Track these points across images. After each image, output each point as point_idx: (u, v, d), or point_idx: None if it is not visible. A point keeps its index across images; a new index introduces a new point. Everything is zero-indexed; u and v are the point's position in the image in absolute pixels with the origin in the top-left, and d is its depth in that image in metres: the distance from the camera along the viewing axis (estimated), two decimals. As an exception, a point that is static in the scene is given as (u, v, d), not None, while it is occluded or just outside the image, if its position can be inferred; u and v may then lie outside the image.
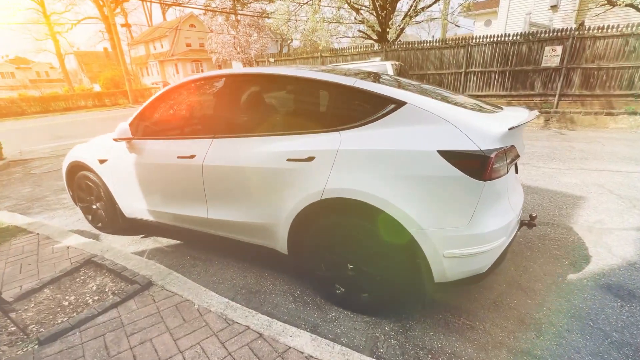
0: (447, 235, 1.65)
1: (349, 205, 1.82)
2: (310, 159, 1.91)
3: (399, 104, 1.77)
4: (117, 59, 27.81)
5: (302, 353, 1.66)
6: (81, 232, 3.30)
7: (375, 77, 2.28)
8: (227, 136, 2.27)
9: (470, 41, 9.16)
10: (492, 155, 1.56)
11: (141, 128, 2.72)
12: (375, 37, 11.59)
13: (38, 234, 3.03)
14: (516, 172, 2.12)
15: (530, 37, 8.43)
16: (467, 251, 1.65)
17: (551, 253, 2.62)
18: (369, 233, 1.83)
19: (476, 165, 1.57)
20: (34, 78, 58.29)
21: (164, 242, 3.09)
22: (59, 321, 1.90)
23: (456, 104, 1.96)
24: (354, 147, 1.80)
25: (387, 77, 2.51)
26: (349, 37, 12.02)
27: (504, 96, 9.19)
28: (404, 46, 10.12)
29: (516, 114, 1.97)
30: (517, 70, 8.84)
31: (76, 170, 3.20)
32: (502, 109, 2.22)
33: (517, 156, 1.80)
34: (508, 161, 1.68)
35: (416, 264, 1.75)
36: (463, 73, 9.49)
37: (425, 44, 9.82)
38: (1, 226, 3.23)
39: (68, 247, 2.75)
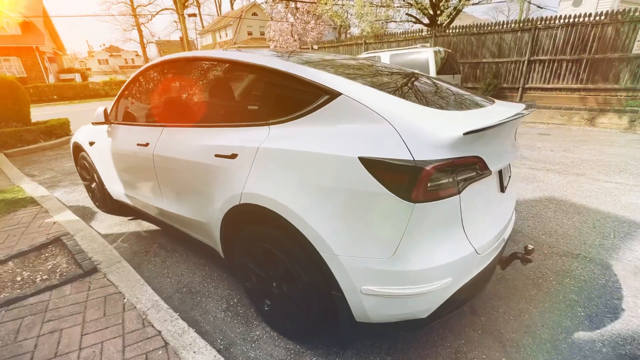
0: (366, 267, 1.28)
1: (263, 215, 1.53)
2: (234, 156, 1.66)
3: (333, 95, 1.41)
4: (185, 47, 30.08)
5: (195, 376, 1.47)
6: (81, 209, 3.53)
7: (337, 62, 1.90)
8: (173, 125, 2.12)
9: (537, 23, 7.75)
10: (428, 168, 1.14)
11: (118, 113, 2.73)
12: (426, 21, 10.51)
13: (41, 207, 3.30)
14: (502, 190, 1.60)
15: (620, 16, 6.79)
16: (391, 291, 1.26)
17: (566, 297, 2.01)
18: (284, 250, 1.53)
19: (404, 180, 1.17)
20: (123, 64, 66.67)
21: (145, 226, 3.13)
22: (4, 297, 1.98)
23: (419, 97, 1.52)
24: (274, 146, 1.49)
25: (362, 61, 2.09)
26: (396, 21, 11.08)
27: (577, 90, 7.66)
28: (457, 31, 9.01)
29: (502, 110, 1.48)
30: (597, 58, 7.25)
31: (77, 150, 3.39)
32: (493, 102, 1.71)
33: (485, 170, 1.32)
34: (461, 177, 1.23)
35: (331, 295, 1.41)
36: (526, 62, 8.12)
37: (482, 28, 8.60)
38: (20, 197, 3.60)
39: (54, 223, 2.92)
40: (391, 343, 1.70)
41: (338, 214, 1.31)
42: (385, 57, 7.47)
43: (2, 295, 1.98)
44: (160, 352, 1.61)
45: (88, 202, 3.74)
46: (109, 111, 2.72)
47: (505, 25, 8.23)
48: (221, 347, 1.72)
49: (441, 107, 1.43)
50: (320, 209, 1.34)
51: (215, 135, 1.81)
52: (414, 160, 1.16)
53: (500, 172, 1.56)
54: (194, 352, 1.61)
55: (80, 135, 3.26)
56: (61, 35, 33.48)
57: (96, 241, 2.57)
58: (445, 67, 7.20)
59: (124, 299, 1.97)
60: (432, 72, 6.79)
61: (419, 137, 1.20)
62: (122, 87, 2.66)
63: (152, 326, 1.77)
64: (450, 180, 1.20)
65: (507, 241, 1.72)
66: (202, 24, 49.76)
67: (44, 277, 2.16)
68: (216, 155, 1.74)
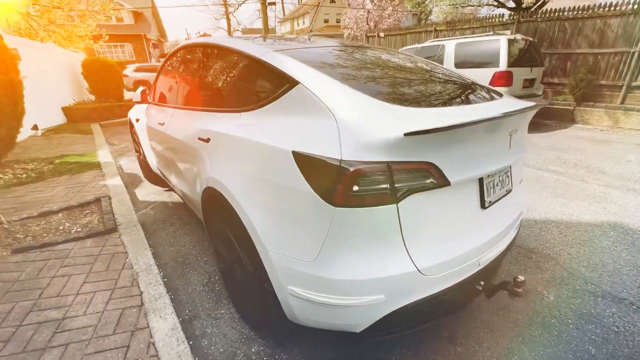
0: (291, 267, 1.22)
1: (220, 200, 1.56)
2: (208, 140, 1.71)
3: (292, 83, 1.34)
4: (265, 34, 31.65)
5: (151, 338, 1.61)
6: (132, 177, 4.07)
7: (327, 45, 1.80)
8: (179, 108, 2.28)
9: (661, 5, 6.11)
10: (352, 170, 1.02)
11: (153, 94, 3.04)
12: (511, 4, 9.13)
13: (101, 171, 3.91)
14: (483, 206, 1.33)
15: None
16: (314, 297, 1.18)
17: (580, 347, 1.62)
18: (236, 237, 1.54)
19: (327, 180, 1.07)
20: (212, 51, 73.30)
21: (174, 198, 3.48)
22: (39, 239, 2.43)
23: (392, 90, 1.36)
24: (235, 133, 1.50)
25: (360, 49, 1.93)
26: (473, 5, 9.84)
27: None
28: (547, 15, 7.65)
29: (498, 108, 1.25)
30: None
31: (130, 125, 3.90)
32: (501, 95, 1.45)
33: (440, 180, 1.11)
34: (402, 185, 1.06)
35: (264, 289, 1.38)
36: (637, 53, 6.53)
37: (581, 12, 7.14)
38: (92, 161, 4.31)
39: (104, 186, 3.44)
40: (333, 350, 1.61)
41: (271, 208, 1.26)
42: (449, 46, 6.77)
43: (45, 239, 2.43)
44: (134, 310, 1.79)
45: (140, 171, 4.29)
46: (147, 92, 3.05)
47: (613, 8, 6.69)
48: (186, 317, 1.84)
49: (412, 103, 1.26)
50: (257, 202, 1.31)
51: (200, 119, 1.89)
52: (340, 159, 1.04)
53: (481, 183, 1.31)
54: (160, 317, 1.76)
55: (132, 112, 3.73)
56: (164, 23, 38.31)
57: (125, 205, 2.96)
58: (522, 58, 6.21)
59: (127, 258, 2.24)
60: (503, 65, 5.94)
61: (356, 135, 1.07)
62: (157, 72, 2.94)
63: (138, 287, 1.98)
64: (386, 186, 1.05)
65: (494, 265, 1.46)
66: (283, 12, 51.68)
67: (77, 230, 2.58)
68: (198, 139, 1.82)
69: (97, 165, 4.15)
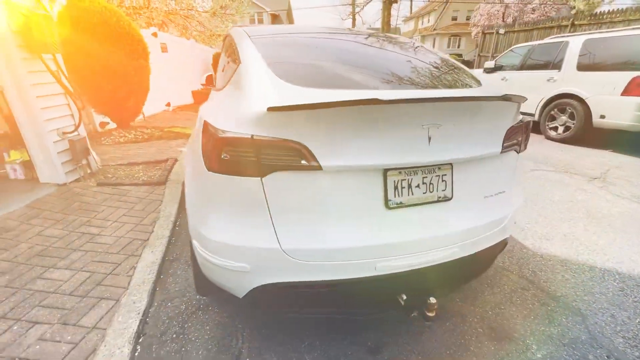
0: (194, 225, 1.36)
1: None
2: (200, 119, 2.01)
3: (239, 63, 1.49)
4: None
5: (136, 264, 2.05)
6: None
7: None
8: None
9: None
10: (218, 137, 1.11)
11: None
12: None
13: (185, 139, 4.84)
14: (387, 205, 1.15)
15: None
16: (202, 252, 1.30)
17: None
18: None
19: (207, 147, 1.18)
20: (336, 49, 77.36)
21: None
22: (116, 180, 3.24)
23: (322, 72, 1.38)
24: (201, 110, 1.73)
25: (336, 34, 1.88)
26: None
27: None
28: None
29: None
30: None
31: (211, 105, 4.68)
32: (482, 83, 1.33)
33: (311, 161, 1.06)
34: (267, 160, 1.08)
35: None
36: None
37: None
38: (187, 132, 5.36)
39: (181, 150, 4.28)
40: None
41: (189, 171, 1.45)
42: (575, 44, 5.42)
43: (120, 180, 3.25)
44: (139, 242, 2.28)
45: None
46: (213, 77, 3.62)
47: None
48: (171, 258, 2.21)
49: (327, 86, 1.24)
50: (189, 166, 1.51)
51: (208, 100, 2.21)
52: (217, 128, 1.14)
53: (386, 176, 1.15)
54: (152, 251, 2.18)
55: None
56: (296, 23, 42.46)
57: (182, 167, 3.63)
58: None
59: (160, 205, 2.81)
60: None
61: (240, 109, 1.15)
62: (221, 59, 3.46)
63: (153, 227, 2.49)
64: (250, 158, 1.09)
65: (415, 280, 1.28)
66: (410, 9, 50.04)
67: (143, 178, 3.34)
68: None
69: (185, 135, 5.16)
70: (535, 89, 5.86)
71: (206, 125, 1.24)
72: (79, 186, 3.00)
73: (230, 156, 1.10)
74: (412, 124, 1.09)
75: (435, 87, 1.40)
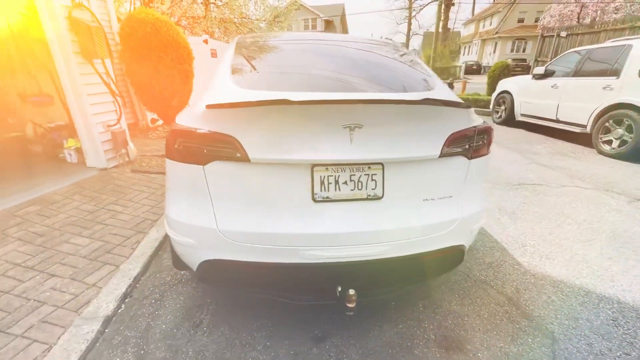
0: (165, 201, 1.59)
1: None
2: None
3: (218, 67, 1.71)
4: (436, 37, 30.40)
5: (141, 240, 2.38)
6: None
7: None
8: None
9: None
10: (172, 129, 1.31)
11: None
12: None
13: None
14: (313, 198, 1.23)
15: None
16: (166, 228, 1.52)
17: None
18: None
19: (168, 136, 1.39)
20: (389, 54, 76.28)
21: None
22: (147, 168, 3.71)
23: (281, 76, 1.53)
24: None
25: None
26: None
27: None
28: None
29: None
30: None
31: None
32: (432, 89, 1.49)
33: (242, 154, 1.21)
34: (208, 151, 1.25)
35: None
36: None
37: None
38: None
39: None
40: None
41: None
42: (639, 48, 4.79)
43: (150, 169, 3.71)
44: (150, 222, 2.63)
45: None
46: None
47: None
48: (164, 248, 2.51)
49: (274, 88, 1.38)
50: None
51: None
52: (174, 122, 1.35)
53: (313, 171, 1.25)
54: (157, 230, 2.51)
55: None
56: (350, 29, 42.82)
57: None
58: None
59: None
60: None
61: (196, 108, 1.35)
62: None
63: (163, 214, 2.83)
64: (194, 148, 1.27)
65: (347, 272, 1.36)
66: (472, 11, 47.35)
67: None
68: None
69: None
70: (588, 98, 5.28)
71: (174, 121, 1.45)
72: (116, 171, 3.51)
73: (181, 146, 1.30)
74: (333, 124, 1.18)
75: (364, 90, 1.45)
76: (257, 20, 12.49)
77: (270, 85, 1.43)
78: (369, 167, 1.27)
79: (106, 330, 1.63)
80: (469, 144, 1.38)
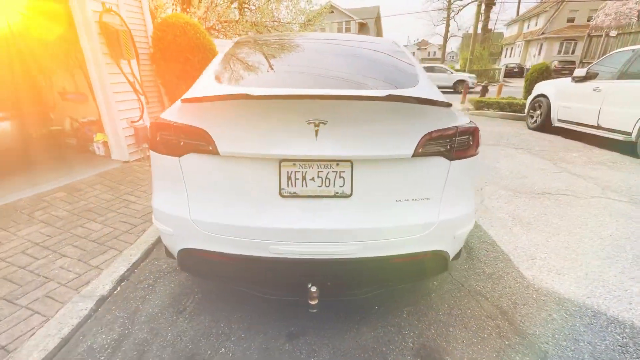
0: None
1: None
2: None
3: (211, 65, 1.78)
4: (473, 39, 29.14)
5: (146, 230, 2.53)
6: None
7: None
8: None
9: None
10: (154, 121, 1.39)
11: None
12: None
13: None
14: (280, 193, 1.23)
15: None
16: (153, 216, 1.61)
17: None
18: None
19: (151, 128, 1.47)
20: (425, 57, 74.40)
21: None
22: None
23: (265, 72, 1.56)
24: None
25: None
26: None
27: None
28: None
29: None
30: None
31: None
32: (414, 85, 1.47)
33: (212, 147, 1.24)
34: (184, 143, 1.30)
35: None
36: None
37: None
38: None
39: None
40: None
41: None
42: None
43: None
44: (159, 212, 2.77)
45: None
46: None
47: None
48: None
49: (253, 85, 1.41)
50: None
51: None
52: (158, 117, 1.43)
53: (280, 166, 1.25)
54: (153, 229, 2.64)
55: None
56: (385, 32, 42.28)
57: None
58: None
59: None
60: None
61: (177, 102, 1.42)
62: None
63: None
64: (171, 141, 1.33)
65: (317, 269, 1.36)
66: (517, 11, 44.76)
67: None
68: None
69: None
70: (634, 103, 4.78)
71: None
72: (137, 164, 3.75)
73: (160, 138, 1.37)
74: (298, 119, 1.18)
75: (336, 87, 1.43)
76: (288, 23, 12.75)
77: (249, 82, 1.47)
78: (337, 164, 1.26)
79: (99, 309, 1.75)
80: (450, 145, 1.32)
